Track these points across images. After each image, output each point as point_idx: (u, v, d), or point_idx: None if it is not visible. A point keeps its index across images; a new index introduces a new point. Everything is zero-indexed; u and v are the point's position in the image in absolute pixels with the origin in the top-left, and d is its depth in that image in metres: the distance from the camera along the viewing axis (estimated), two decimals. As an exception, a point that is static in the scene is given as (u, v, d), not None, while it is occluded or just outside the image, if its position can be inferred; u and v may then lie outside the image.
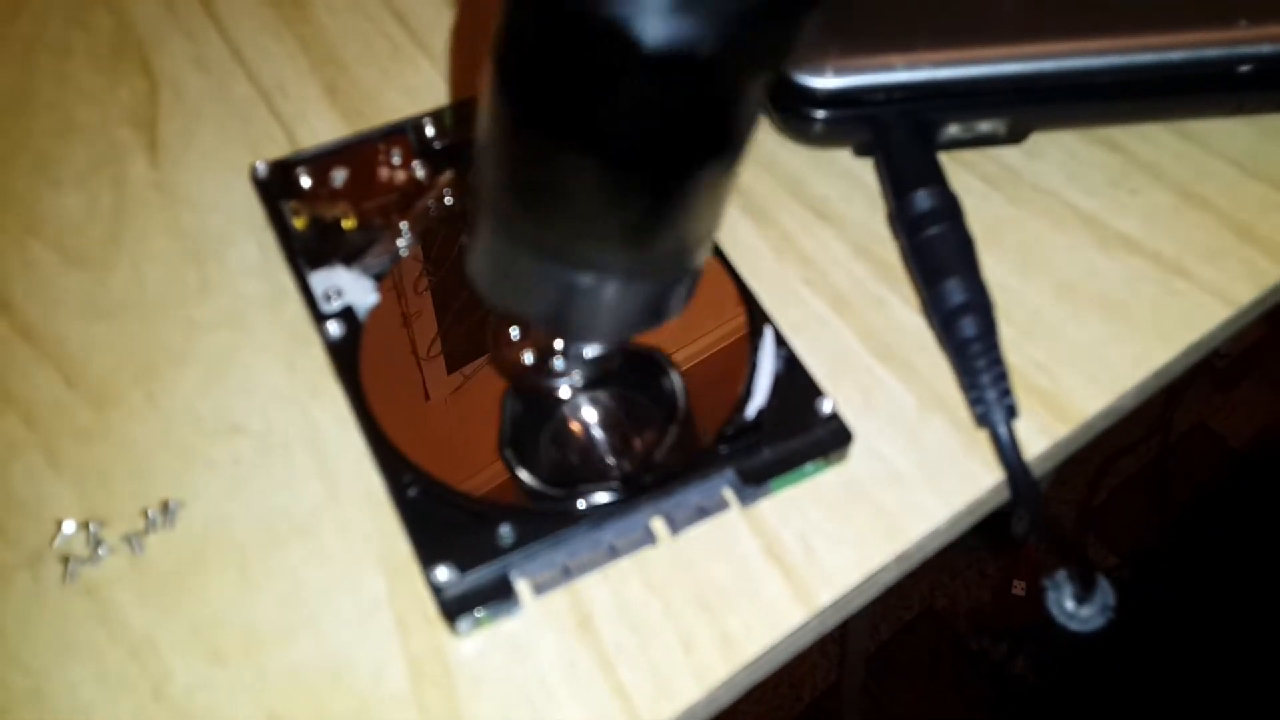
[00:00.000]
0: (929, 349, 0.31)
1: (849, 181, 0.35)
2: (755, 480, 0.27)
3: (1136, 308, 0.32)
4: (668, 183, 0.20)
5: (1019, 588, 1.32)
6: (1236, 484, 1.11)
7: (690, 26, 0.17)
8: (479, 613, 0.25)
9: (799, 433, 0.28)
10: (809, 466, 0.28)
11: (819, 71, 0.31)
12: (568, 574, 0.26)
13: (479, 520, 0.26)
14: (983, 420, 0.28)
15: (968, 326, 0.29)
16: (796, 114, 0.32)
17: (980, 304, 0.29)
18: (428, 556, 0.26)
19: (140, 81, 0.37)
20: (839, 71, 0.31)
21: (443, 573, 0.25)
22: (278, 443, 0.29)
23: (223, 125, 0.36)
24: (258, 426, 0.30)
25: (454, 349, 0.30)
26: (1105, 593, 0.34)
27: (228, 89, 0.37)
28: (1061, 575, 0.34)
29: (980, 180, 0.35)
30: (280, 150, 0.35)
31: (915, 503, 0.28)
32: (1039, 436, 0.29)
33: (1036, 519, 0.29)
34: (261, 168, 0.33)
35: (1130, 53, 0.32)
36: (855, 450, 0.29)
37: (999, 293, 0.32)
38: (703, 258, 0.23)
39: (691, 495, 0.27)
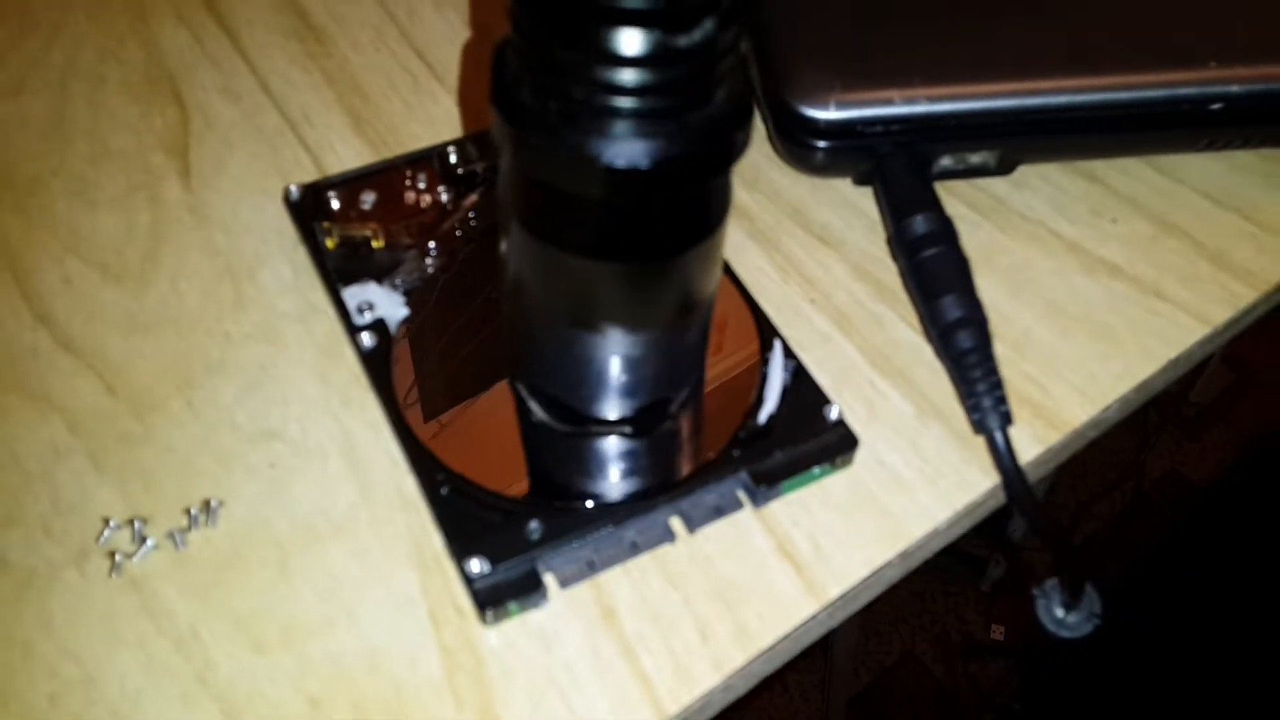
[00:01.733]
0: (926, 363, 0.33)
1: (849, 209, 0.37)
2: (767, 482, 0.29)
3: (1120, 327, 0.34)
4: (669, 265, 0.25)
5: (998, 632, 1.34)
6: (1203, 524, 1.14)
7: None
8: (510, 604, 0.27)
9: (808, 437, 0.30)
10: (817, 470, 0.30)
11: (822, 104, 0.33)
12: (592, 568, 0.28)
13: (509, 517, 0.28)
14: (980, 427, 0.30)
15: (965, 339, 0.31)
16: (800, 144, 0.35)
17: (976, 318, 0.31)
18: (461, 550, 0.27)
19: (172, 110, 0.39)
20: (840, 105, 0.33)
21: (475, 564, 0.27)
22: (312, 448, 0.31)
23: (252, 152, 0.38)
24: (293, 433, 0.31)
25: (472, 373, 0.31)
26: (1092, 600, 0.36)
27: (256, 118, 0.39)
28: (1051, 584, 0.36)
29: (970, 209, 0.37)
30: (308, 176, 0.37)
31: (917, 505, 0.30)
32: (1032, 444, 0.31)
33: (1033, 519, 0.30)
34: (294, 190, 0.35)
35: (1111, 91, 0.34)
36: (860, 456, 0.31)
37: (991, 313, 0.34)
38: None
39: (708, 496, 0.29)
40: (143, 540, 0.29)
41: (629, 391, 0.29)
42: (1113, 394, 0.32)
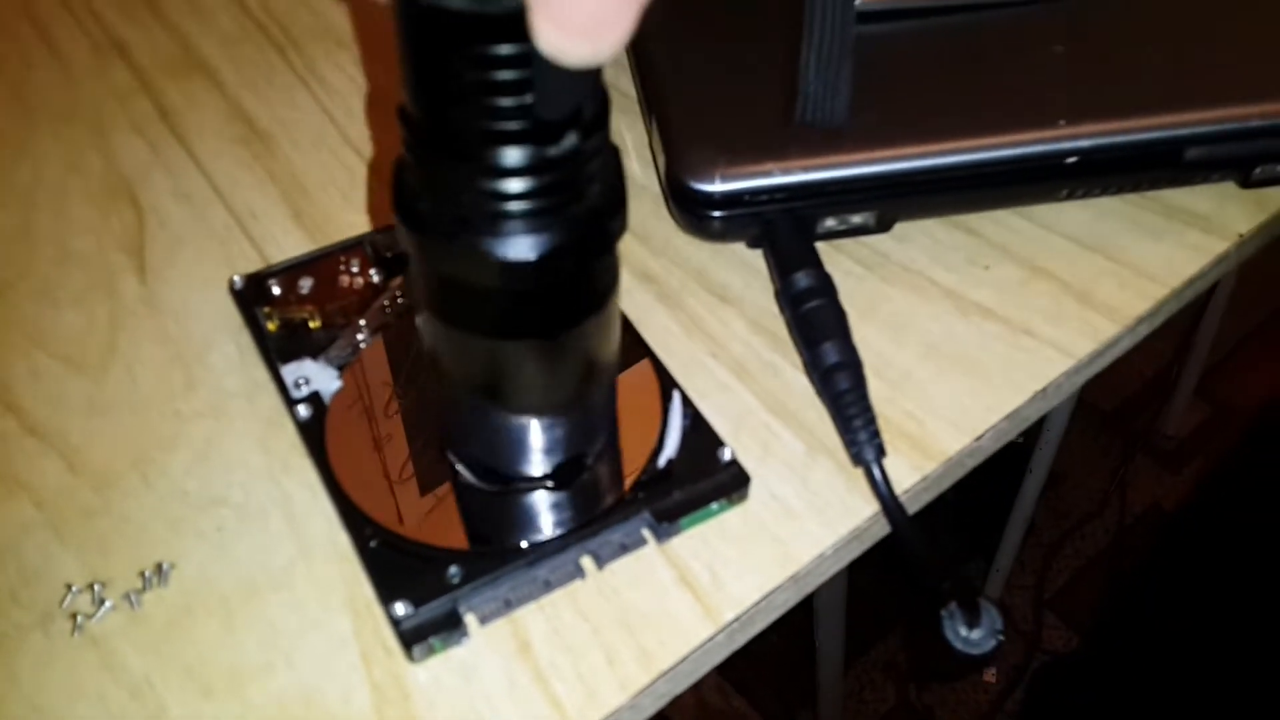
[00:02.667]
0: (815, 405, 0.36)
1: (746, 269, 0.40)
2: (668, 519, 0.32)
3: (991, 364, 0.37)
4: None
5: (990, 675, 1.36)
6: (1179, 553, 1.16)
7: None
8: (433, 641, 0.30)
9: (704, 478, 0.33)
10: (714, 506, 0.33)
11: (709, 179, 0.37)
12: (509, 605, 0.31)
13: (430, 564, 0.31)
14: (857, 459, 0.33)
15: (842, 381, 0.34)
16: (694, 215, 0.38)
17: (852, 362, 0.34)
18: (387, 595, 0.30)
19: (129, 213, 0.43)
20: (725, 179, 0.37)
21: (400, 607, 0.30)
22: (255, 511, 0.34)
23: (202, 247, 0.42)
24: (238, 498, 0.34)
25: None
26: (993, 618, 0.39)
27: (206, 216, 0.43)
28: (954, 606, 0.39)
29: (858, 264, 0.40)
30: (253, 266, 0.40)
31: (806, 533, 0.33)
32: (910, 472, 0.34)
33: (910, 543, 0.33)
34: (238, 280, 0.38)
35: (972, 152, 0.38)
36: (755, 493, 0.34)
37: (875, 357, 0.37)
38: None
39: (614, 535, 0.32)
40: (101, 602, 0.32)
41: (545, 452, 0.32)
42: (984, 424, 0.35)
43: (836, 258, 0.40)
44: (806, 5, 0.33)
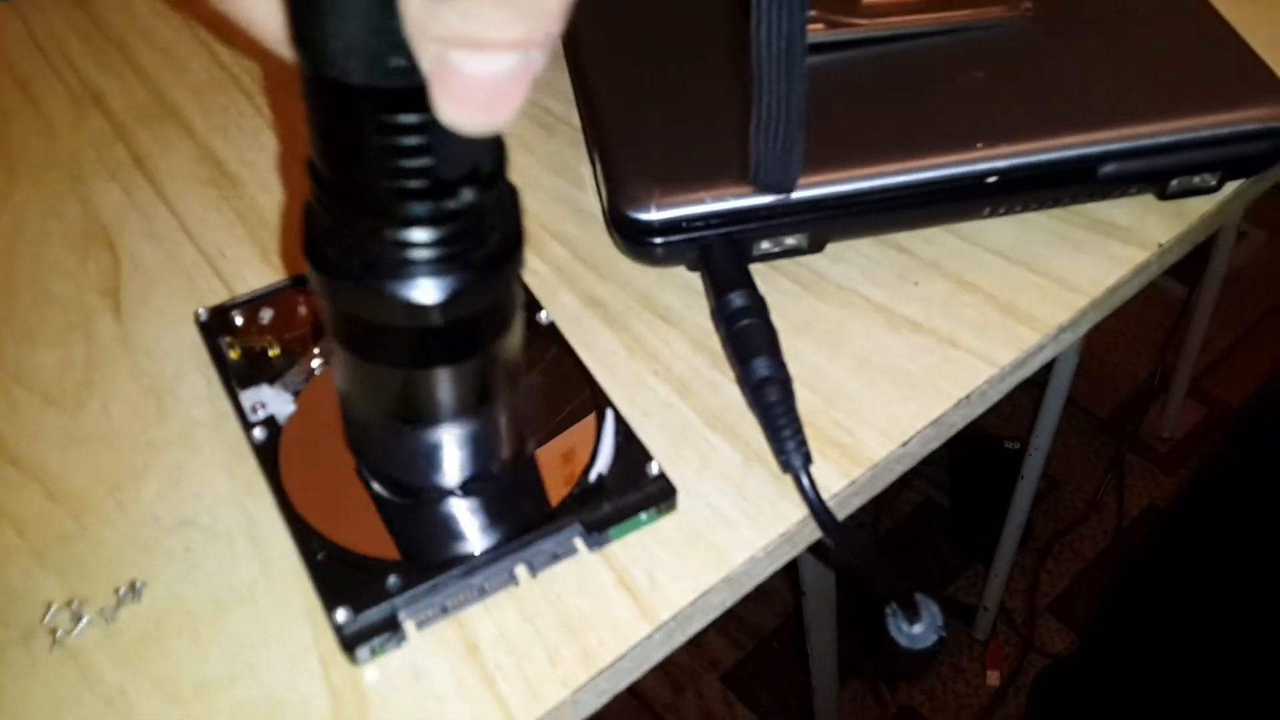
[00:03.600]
0: (751, 417, 0.38)
1: (688, 291, 0.42)
2: (598, 529, 0.34)
3: (918, 374, 0.39)
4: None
5: (993, 677, 1.37)
6: (1174, 552, 1.18)
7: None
8: (373, 644, 0.32)
9: (632, 490, 0.35)
10: (643, 516, 0.35)
11: (646, 208, 0.39)
12: (445, 611, 0.33)
13: (371, 574, 0.33)
14: (786, 467, 0.35)
15: (771, 394, 0.36)
16: (635, 242, 0.40)
17: (780, 376, 0.36)
18: (330, 603, 0.32)
19: (105, 256, 0.45)
20: (661, 207, 0.39)
21: (341, 614, 0.32)
22: (221, 533, 0.36)
23: (173, 286, 0.44)
24: (205, 521, 0.36)
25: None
26: (933, 614, 0.41)
27: (177, 257, 0.45)
28: (894, 606, 0.41)
29: (795, 283, 0.43)
30: (221, 301, 0.43)
31: (739, 538, 0.35)
32: (839, 478, 0.36)
33: (841, 544, 0.35)
34: (203, 313, 0.41)
35: (897, 175, 0.40)
36: (693, 502, 0.36)
37: (809, 371, 0.39)
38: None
39: (547, 544, 0.34)
40: (79, 618, 0.34)
41: (452, 466, 0.33)
42: (910, 431, 0.38)
43: (775, 278, 0.43)
44: (754, 72, 0.34)
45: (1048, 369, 1.11)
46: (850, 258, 0.43)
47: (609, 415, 0.37)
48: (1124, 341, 1.71)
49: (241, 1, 0.24)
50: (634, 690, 1.33)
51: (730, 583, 0.34)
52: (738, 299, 0.38)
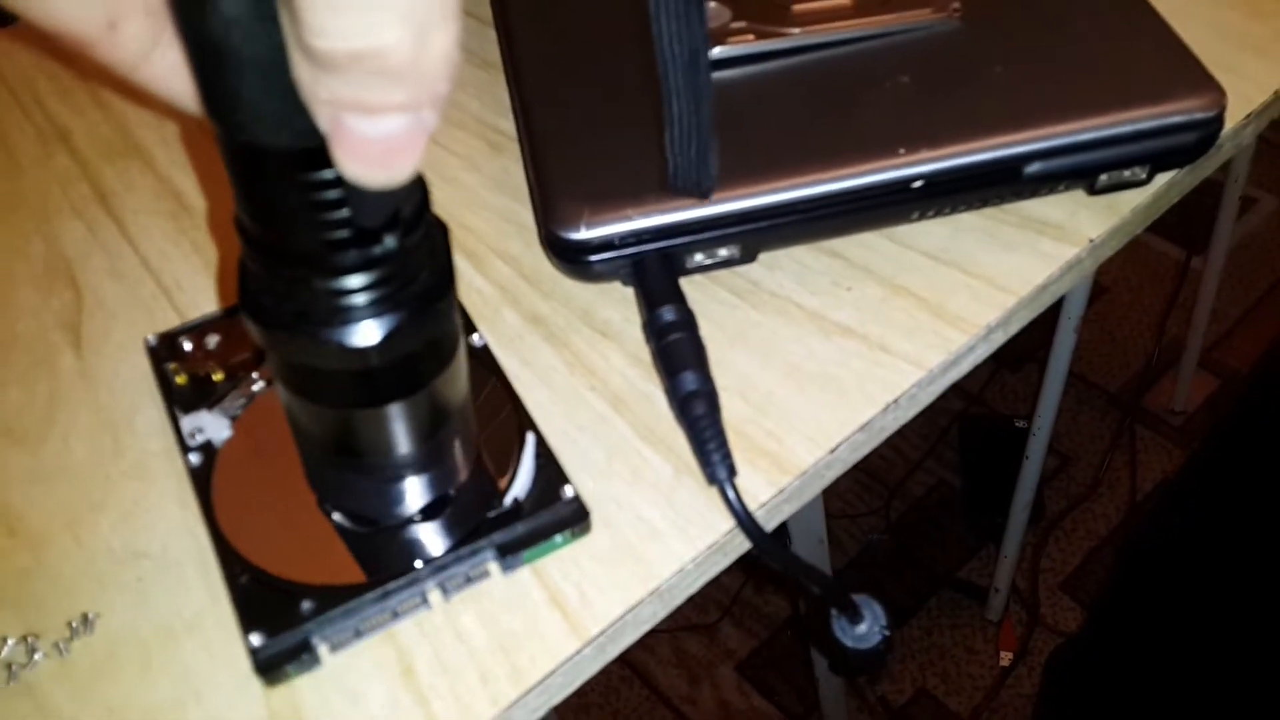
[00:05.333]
0: (679, 427, 0.39)
1: (628, 305, 0.43)
2: (512, 552, 0.35)
3: (847, 380, 0.40)
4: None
5: (1005, 658, 1.38)
6: (1181, 520, 1.17)
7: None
8: (288, 668, 0.33)
9: (546, 513, 0.36)
10: (557, 539, 0.36)
11: (575, 228, 0.40)
12: (359, 635, 0.34)
13: (288, 598, 0.34)
14: (711, 479, 0.36)
15: (697, 407, 0.37)
16: (568, 261, 0.41)
17: (706, 390, 0.37)
18: (245, 627, 0.33)
19: (68, 293, 0.47)
20: (590, 225, 0.40)
21: (255, 638, 0.33)
22: (172, 562, 0.37)
23: (133, 320, 0.45)
24: (157, 551, 0.38)
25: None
26: (875, 613, 0.42)
27: (137, 290, 0.47)
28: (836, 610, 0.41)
29: (731, 293, 0.43)
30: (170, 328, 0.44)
31: (669, 550, 0.36)
32: (768, 487, 0.37)
33: (764, 554, 0.36)
34: (152, 339, 0.42)
35: (824, 184, 0.41)
36: (624, 515, 0.37)
37: (741, 381, 0.40)
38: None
39: (461, 568, 0.35)
40: (34, 652, 0.35)
41: (409, 496, 0.35)
42: (838, 437, 0.38)
43: (711, 289, 0.43)
44: (662, 81, 0.35)
45: (1047, 347, 1.11)
46: (785, 265, 0.44)
47: (529, 439, 0.38)
48: (1135, 315, 1.70)
49: (151, 70, 0.25)
50: (650, 684, 1.35)
51: (660, 596, 0.35)
52: (666, 314, 0.39)
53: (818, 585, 0.39)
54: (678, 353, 0.38)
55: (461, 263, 0.46)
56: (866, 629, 0.41)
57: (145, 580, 0.37)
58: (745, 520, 0.36)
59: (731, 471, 0.36)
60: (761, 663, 1.37)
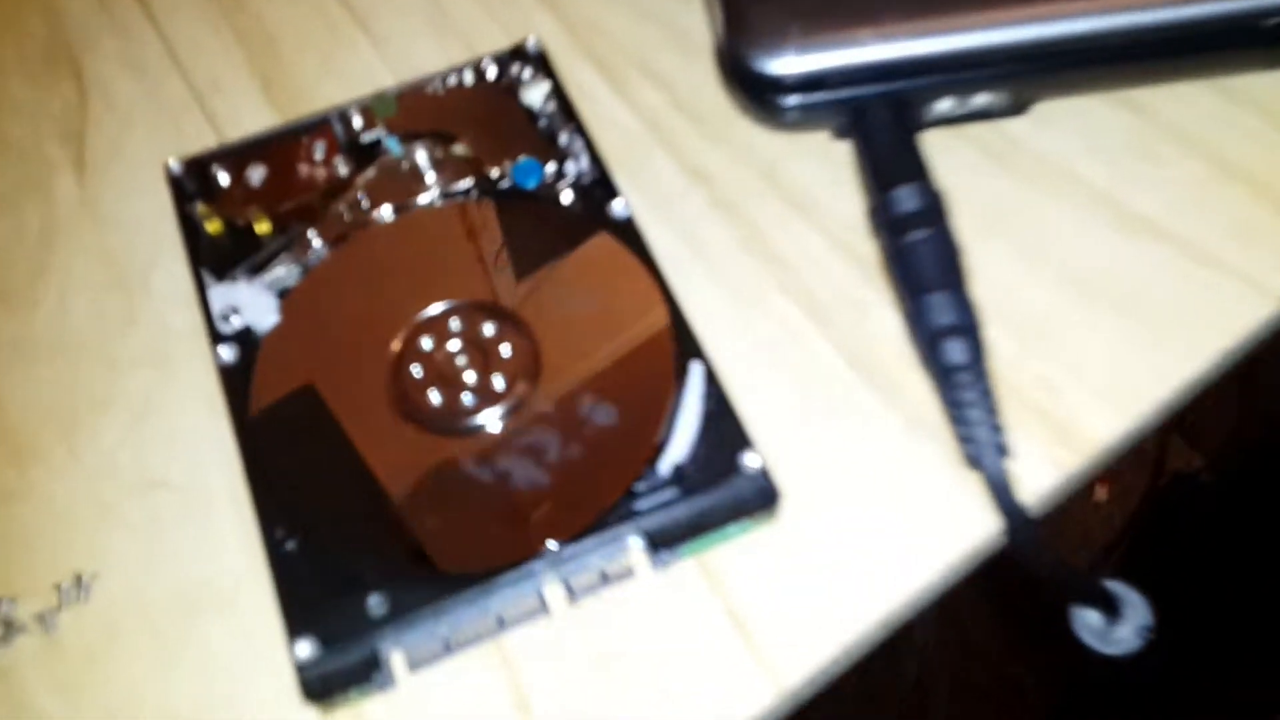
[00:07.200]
0: (918, 363, 0.27)
1: (832, 163, 0.31)
2: (666, 543, 0.24)
3: (1158, 306, 0.27)
4: None
5: (1101, 492, 1.27)
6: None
7: None
8: (349, 691, 0.23)
9: (718, 489, 0.25)
10: (731, 528, 0.25)
11: (779, 54, 0.27)
12: (449, 649, 0.24)
13: (350, 586, 0.24)
14: (973, 462, 0.25)
15: (954, 351, 0.25)
16: (760, 101, 0.29)
17: (968, 325, 0.25)
18: (294, 626, 0.24)
19: (71, 90, 0.35)
20: (801, 51, 0.27)
21: (305, 647, 0.23)
22: (197, 497, 0.27)
23: (153, 131, 0.34)
24: (178, 478, 0.27)
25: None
26: (1139, 611, 0.31)
27: (160, 91, 0.35)
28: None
29: (980, 153, 0.30)
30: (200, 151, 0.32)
31: (897, 547, 0.25)
32: (1044, 468, 0.26)
33: (1037, 569, 0.25)
34: (175, 165, 0.31)
35: (1139, 10, 0.27)
36: (827, 491, 0.26)
37: (999, 292, 0.28)
38: None
39: (592, 559, 0.24)
40: (9, 625, 0.26)
41: None
42: (1148, 400, 0.26)
43: (951, 144, 0.30)
44: None
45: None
46: (1062, 119, 0.31)
47: (695, 372, 0.26)
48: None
49: None
50: None
51: (884, 628, 0.25)
52: (907, 198, 0.27)
53: (1092, 598, 0.28)
54: (924, 262, 0.26)
55: (592, 80, 0.33)
56: (1125, 632, 0.31)
57: (161, 521, 0.27)
58: (1019, 524, 0.24)
59: (1003, 451, 0.24)
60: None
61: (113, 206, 0.32)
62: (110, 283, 0.31)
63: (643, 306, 0.27)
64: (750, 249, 0.30)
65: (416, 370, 0.27)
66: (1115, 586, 0.30)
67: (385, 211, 0.29)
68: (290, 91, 0.34)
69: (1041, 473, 0.26)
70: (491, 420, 0.26)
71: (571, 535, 0.24)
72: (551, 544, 0.24)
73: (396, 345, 0.27)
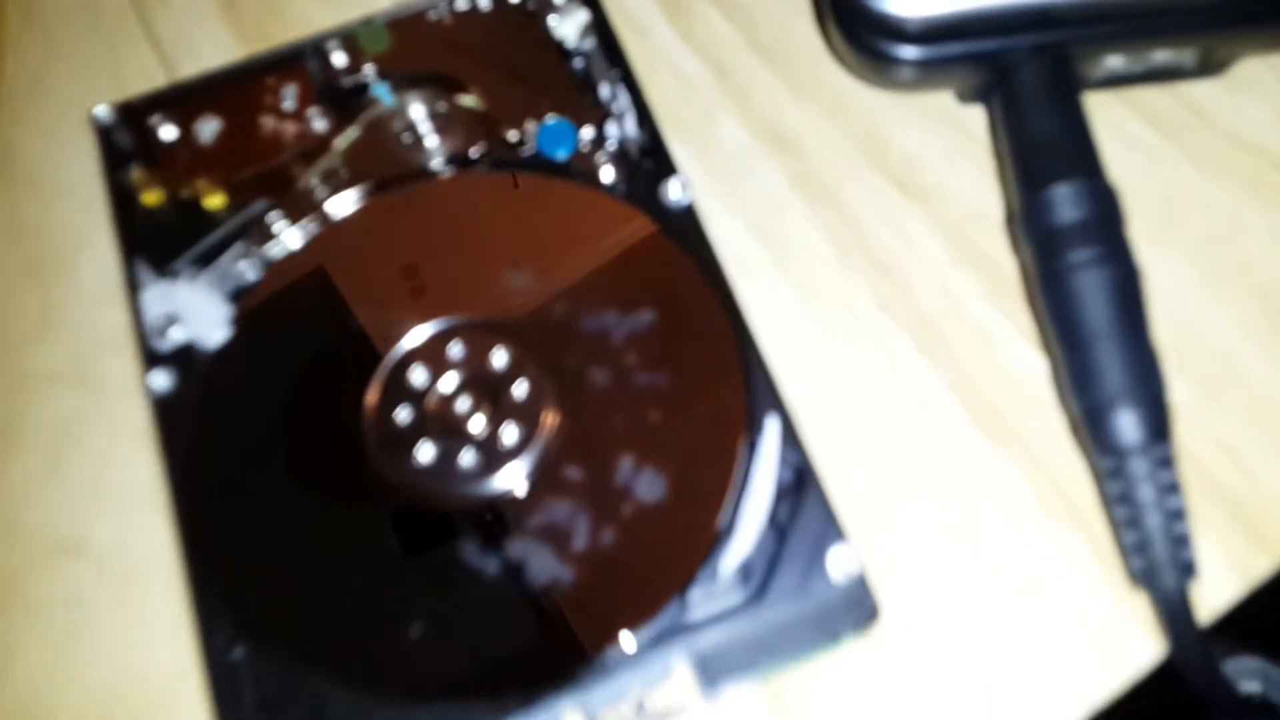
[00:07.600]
0: (1067, 427, 0.20)
1: (955, 135, 0.24)
2: (723, 668, 0.18)
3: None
4: None
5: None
6: None
7: None
8: None
9: (796, 599, 0.18)
10: (810, 645, 0.19)
11: (904, -6, 0.20)
12: None
13: (303, 705, 0.18)
14: (1143, 578, 0.18)
15: (1128, 428, 0.18)
16: (873, 51, 0.21)
17: (1149, 393, 0.18)
18: None
19: (-18, -4, 0.28)
20: (935, -7, 0.20)
21: None
22: (126, 570, 0.21)
23: (83, 60, 0.27)
24: (103, 540, 0.21)
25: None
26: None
27: (95, 4, 0.27)
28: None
29: (1151, 128, 0.23)
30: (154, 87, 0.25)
31: (1034, 685, 0.19)
32: (1225, 576, 0.19)
33: (1213, 707, 0.19)
34: (103, 112, 0.24)
35: None
36: (941, 597, 0.19)
37: (1174, 322, 0.21)
38: None
39: (629, 686, 0.18)
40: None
41: None
42: (1371, 480, 0.20)
43: (1116, 111, 0.23)
44: None
45: None
46: (1262, 83, 0.23)
47: (770, 429, 0.20)
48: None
49: None
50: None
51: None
52: (1069, 202, 0.20)
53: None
54: (1086, 294, 0.19)
55: (643, 6, 0.26)
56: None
57: (81, 605, 0.21)
58: (1197, 657, 0.18)
59: (1187, 571, 0.18)
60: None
61: (33, 163, 0.26)
62: (27, 268, 0.24)
63: (701, 333, 0.21)
64: (841, 245, 0.23)
65: (403, 415, 0.20)
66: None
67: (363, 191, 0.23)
68: (259, 13, 0.27)
69: (1221, 581, 0.19)
70: (502, 485, 0.20)
71: (599, 652, 0.18)
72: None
73: (373, 396, 0.21)
